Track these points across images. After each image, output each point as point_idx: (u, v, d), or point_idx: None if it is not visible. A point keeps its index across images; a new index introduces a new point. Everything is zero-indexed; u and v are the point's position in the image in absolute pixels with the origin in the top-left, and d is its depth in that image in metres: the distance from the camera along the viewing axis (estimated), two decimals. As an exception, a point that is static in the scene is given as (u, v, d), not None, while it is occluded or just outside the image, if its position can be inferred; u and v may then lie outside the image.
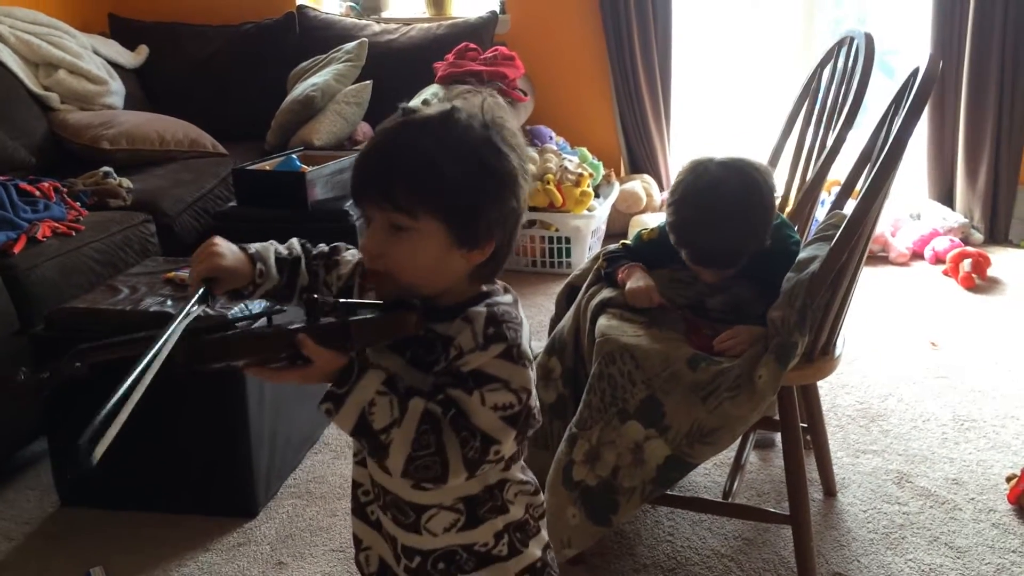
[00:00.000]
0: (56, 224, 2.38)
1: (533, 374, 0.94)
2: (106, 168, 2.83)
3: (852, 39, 1.94)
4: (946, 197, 3.74)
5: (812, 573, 1.64)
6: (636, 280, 1.70)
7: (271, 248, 1.04)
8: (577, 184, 3.35)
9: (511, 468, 1.02)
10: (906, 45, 3.90)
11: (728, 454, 2.01)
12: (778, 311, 1.53)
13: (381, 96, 3.40)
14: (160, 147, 3.16)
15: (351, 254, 1.08)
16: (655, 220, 3.24)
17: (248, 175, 2.80)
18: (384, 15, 4.09)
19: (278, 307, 0.98)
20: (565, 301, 1.89)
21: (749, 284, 1.69)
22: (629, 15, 3.69)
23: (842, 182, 1.81)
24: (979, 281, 3.20)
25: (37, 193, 2.48)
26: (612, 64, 3.80)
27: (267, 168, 2.85)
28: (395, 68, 3.52)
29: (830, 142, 1.88)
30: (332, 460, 2.17)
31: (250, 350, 0.88)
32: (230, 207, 2.84)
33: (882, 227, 3.49)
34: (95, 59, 3.40)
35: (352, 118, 3.36)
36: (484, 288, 0.99)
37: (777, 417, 1.68)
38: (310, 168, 2.75)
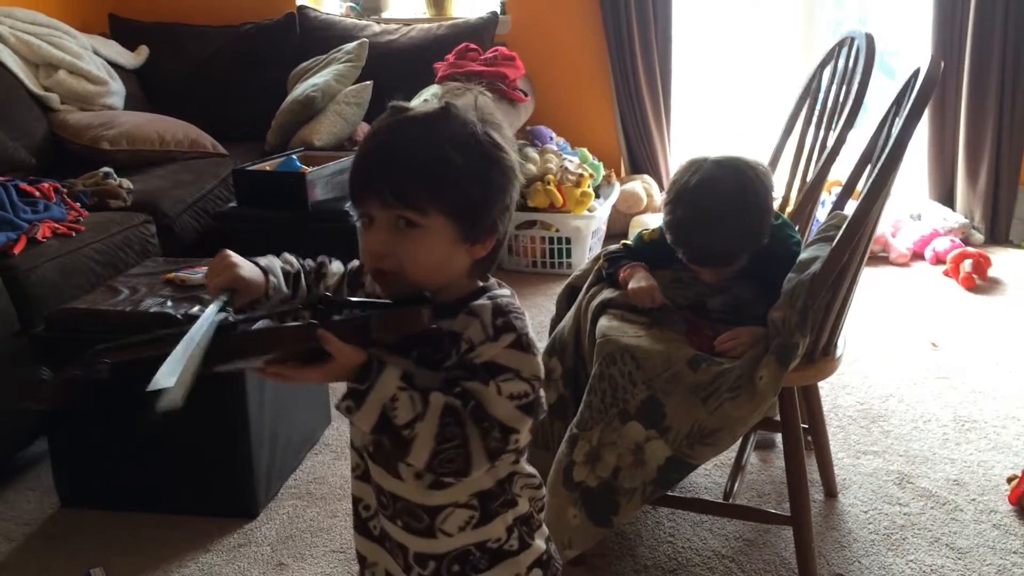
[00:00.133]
0: (56, 225, 2.38)
1: (541, 362, 0.95)
2: (106, 169, 2.83)
3: (853, 39, 1.93)
4: (947, 197, 3.74)
5: (813, 574, 1.64)
6: (638, 280, 1.69)
7: (277, 261, 1.05)
8: (577, 184, 3.34)
9: (520, 461, 1.02)
10: (907, 46, 3.89)
11: (729, 455, 2.01)
12: (779, 312, 1.53)
13: (381, 96, 3.38)
14: (160, 148, 3.16)
15: (336, 266, 1.09)
16: (656, 221, 3.24)
17: (248, 176, 2.80)
18: (384, 15, 4.08)
19: (285, 309, 0.97)
20: (566, 302, 1.89)
21: (750, 285, 1.69)
22: (629, 15, 3.69)
23: (843, 183, 1.81)
24: (980, 282, 3.20)
25: (37, 194, 2.48)
26: (612, 64, 3.80)
27: (267, 169, 2.84)
28: (395, 69, 3.52)
29: (831, 142, 1.88)
30: (332, 461, 2.17)
31: (270, 346, 0.86)
32: (230, 208, 2.84)
33: (883, 227, 3.49)
34: (95, 59, 3.40)
35: (352, 118, 3.36)
36: (481, 283, 0.99)
37: (778, 418, 1.68)
38: (310, 169, 2.75)
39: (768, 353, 1.50)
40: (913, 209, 3.67)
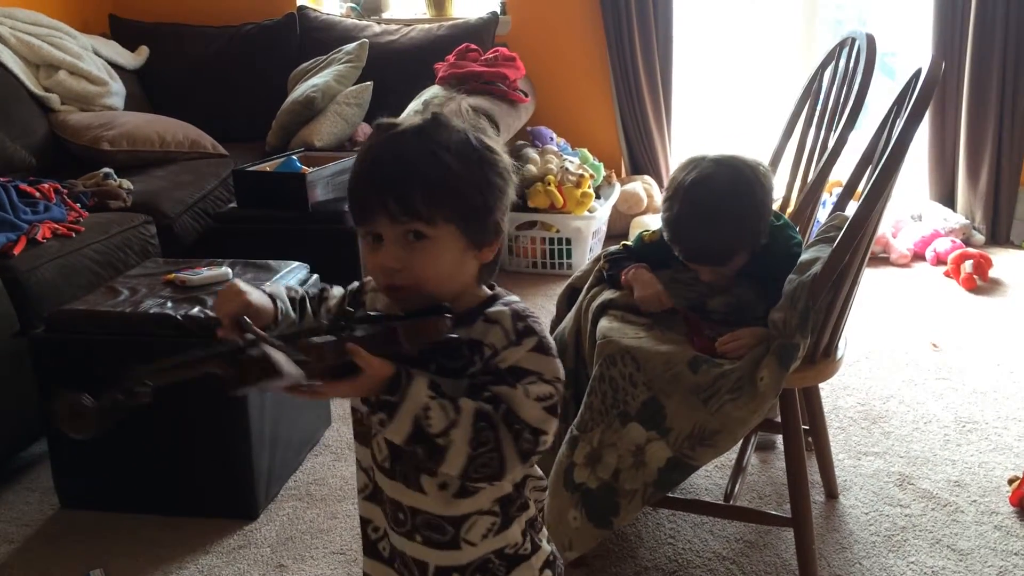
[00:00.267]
0: (56, 225, 2.38)
1: (560, 364, 0.95)
2: (106, 169, 2.83)
3: (853, 40, 1.93)
4: (947, 198, 3.74)
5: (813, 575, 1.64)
6: (644, 287, 1.69)
7: (281, 288, 1.05)
8: (578, 185, 3.34)
9: (534, 463, 1.03)
10: (907, 46, 3.89)
11: (729, 456, 2.01)
12: (780, 313, 1.52)
13: (382, 97, 3.40)
14: (160, 148, 3.16)
15: (337, 290, 1.10)
16: (656, 221, 3.23)
17: (249, 176, 2.80)
18: (385, 16, 4.08)
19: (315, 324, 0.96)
20: (566, 303, 1.88)
21: (751, 285, 1.69)
22: (630, 16, 3.68)
23: (844, 183, 1.80)
24: (980, 282, 3.20)
25: (37, 194, 2.48)
26: (613, 65, 3.80)
27: (267, 169, 2.85)
28: (396, 69, 3.52)
29: (831, 143, 1.87)
30: (333, 462, 2.17)
31: (303, 364, 0.86)
32: (230, 208, 2.84)
33: (883, 228, 3.49)
34: (95, 60, 3.40)
35: (353, 119, 3.36)
36: (488, 290, 1.00)
37: (778, 419, 1.67)
38: (310, 169, 2.75)
39: (769, 354, 1.50)
40: (914, 210, 3.67)
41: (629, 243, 1.85)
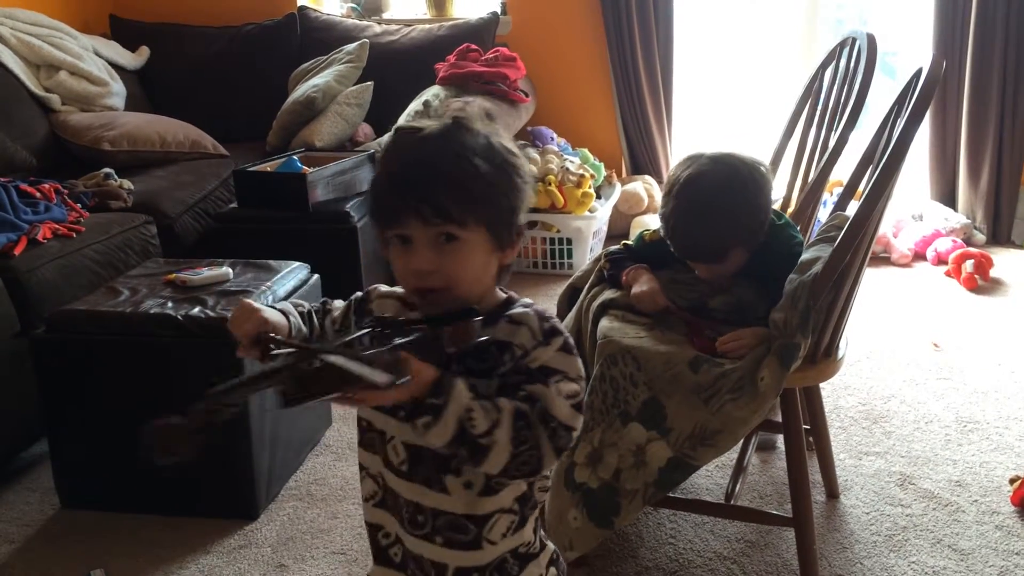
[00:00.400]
0: (57, 226, 2.38)
1: (581, 363, 0.97)
2: (107, 169, 2.83)
3: (854, 40, 1.93)
4: (948, 198, 3.74)
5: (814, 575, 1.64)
6: (641, 284, 1.69)
7: (288, 304, 1.06)
8: (578, 185, 3.34)
9: None
10: (908, 46, 3.89)
11: (730, 456, 2.01)
12: (780, 313, 1.52)
13: (382, 97, 3.40)
14: (161, 148, 3.16)
15: (338, 303, 1.11)
16: (657, 221, 3.24)
17: (249, 176, 2.80)
18: (385, 16, 4.08)
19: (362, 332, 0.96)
20: (567, 303, 1.88)
21: (752, 285, 1.69)
22: (630, 16, 3.68)
23: (844, 183, 1.80)
24: (981, 282, 3.19)
25: (38, 195, 2.48)
26: (613, 65, 3.80)
27: (268, 169, 2.84)
28: (396, 69, 3.52)
29: (832, 143, 1.87)
30: (333, 462, 2.17)
31: (361, 380, 0.85)
32: (231, 208, 2.84)
33: (884, 228, 3.48)
34: (96, 60, 3.40)
35: (353, 119, 3.36)
36: (504, 293, 1.02)
37: (779, 419, 1.67)
38: (311, 169, 2.75)
39: (770, 354, 1.50)
40: (915, 209, 3.67)
41: (630, 242, 1.85)
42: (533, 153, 3.48)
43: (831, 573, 1.72)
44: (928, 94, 1.43)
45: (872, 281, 3.23)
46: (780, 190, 2.05)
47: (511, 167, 0.97)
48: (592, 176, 3.44)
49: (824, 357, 1.60)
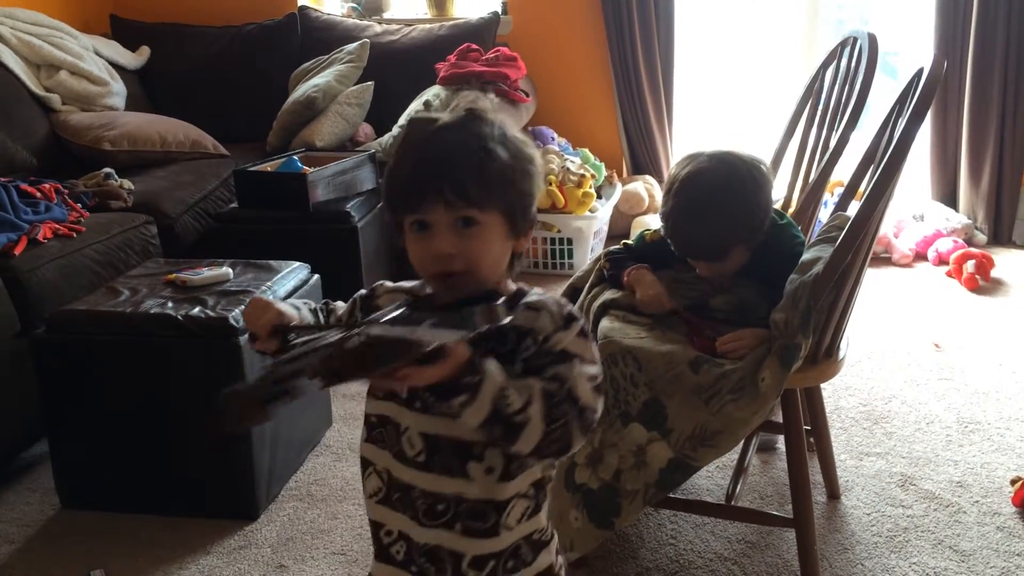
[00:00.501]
0: (57, 226, 2.38)
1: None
2: (107, 169, 2.83)
3: (855, 39, 1.93)
4: (949, 198, 3.73)
5: (815, 577, 1.64)
6: (645, 288, 1.69)
7: (296, 300, 1.08)
8: (579, 185, 3.34)
9: None
10: (909, 46, 3.89)
11: (731, 457, 2.00)
12: (781, 313, 1.52)
13: (383, 97, 3.40)
14: (161, 148, 3.16)
15: (340, 304, 1.13)
16: (657, 221, 3.23)
17: (249, 176, 2.80)
18: (386, 16, 4.08)
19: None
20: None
21: (754, 285, 1.68)
22: (631, 16, 3.68)
23: (845, 183, 1.80)
24: (983, 282, 3.19)
25: (38, 195, 2.48)
26: (614, 65, 3.80)
27: (268, 169, 2.85)
28: (397, 69, 3.52)
29: (833, 143, 1.87)
30: (333, 463, 2.17)
31: (411, 351, 0.85)
32: (231, 208, 2.84)
33: (885, 228, 3.48)
34: (96, 60, 3.40)
35: (354, 119, 3.36)
36: (513, 283, 1.03)
37: (780, 420, 1.67)
38: (311, 169, 2.75)
39: (771, 355, 1.49)
40: (916, 210, 3.66)
41: (630, 242, 1.84)
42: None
43: (832, 574, 1.71)
44: (929, 94, 1.42)
45: (873, 281, 3.22)
46: (781, 190, 2.05)
47: (525, 156, 0.99)
48: (593, 176, 3.44)
49: (825, 358, 1.59)
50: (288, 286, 2.08)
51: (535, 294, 1.01)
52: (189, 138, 3.25)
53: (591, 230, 3.38)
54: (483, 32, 3.63)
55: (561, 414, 0.91)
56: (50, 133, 3.11)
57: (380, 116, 3.40)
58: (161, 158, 3.15)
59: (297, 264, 2.19)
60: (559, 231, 3.39)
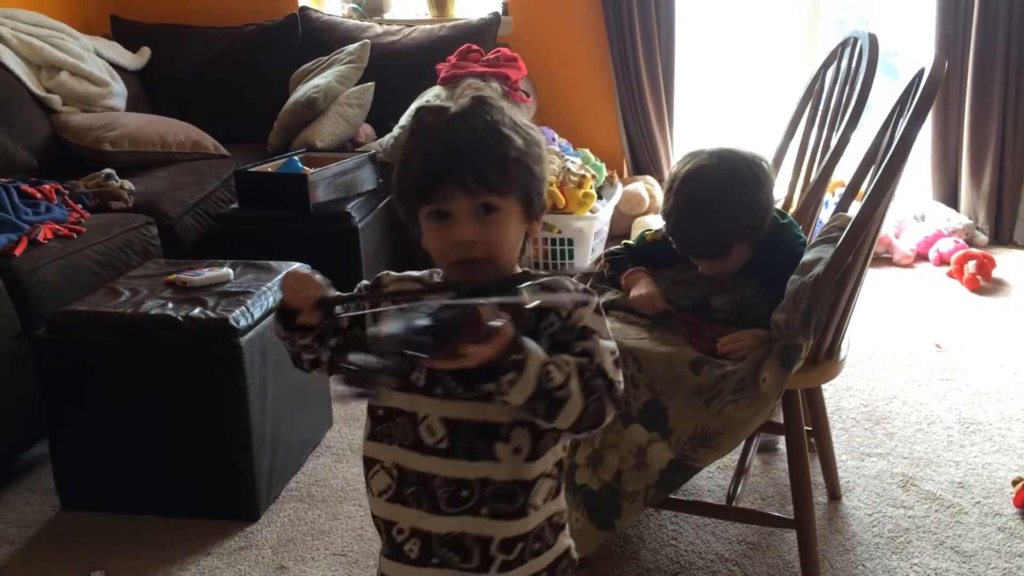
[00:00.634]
0: (57, 226, 2.38)
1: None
2: (108, 170, 2.83)
3: (856, 40, 1.93)
4: (950, 198, 3.73)
5: (817, 578, 1.64)
6: (639, 288, 1.69)
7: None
8: (580, 186, 3.33)
9: None
10: (910, 46, 3.89)
11: (732, 458, 2.00)
12: (782, 314, 1.52)
13: (383, 98, 3.40)
14: (162, 149, 3.16)
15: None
16: (658, 221, 3.23)
17: (250, 177, 2.80)
18: (386, 16, 4.08)
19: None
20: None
21: (755, 284, 1.68)
22: (632, 16, 3.68)
23: (846, 183, 1.80)
24: (984, 283, 3.19)
25: (38, 195, 2.48)
26: (615, 65, 3.79)
27: (269, 170, 2.85)
28: (397, 70, 3.52)
29: (834, 143, 1.87)
30: (334, 463, 2.16)
31: (477, 326, 0.86)
32: (232, 209, 2.84)
33: (886, 229, 3.48)
34: (97, 61, 3.40)
35: (354, 120, 3.36)
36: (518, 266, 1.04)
37: (781, 420, 1.67)
38: (312, 170, 2.75)
39: (771, 355, 1.49)
40: (917, 210, 3.66)
41: (630, 242, 1.84)
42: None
43: (833, 575, 1.71)
44: (930, 94, 1.42)
45: (874, 282, 3.22)
46: (782, 190, 2.04)
47: (535, 140, 1.01)
48: (593, 176, 3.43)
49: (826, 358, 1.59)
50: (288, 287, 2.08)
51: (545, 275, 1.02)
52: (190, 139, 3.25)
53: (592, 231, 3.38)
54: (484, 33, 3.63)
55: (596, 387, 0.93)
56: (51, 134, 3.11)
57: (381, 117, 3.40)
58: (162, 159, 3.15)
59: (298, 265, 2.18)
60: (560, 231, 3.38)
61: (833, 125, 1.92)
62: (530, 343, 0.90)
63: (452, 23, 3.75)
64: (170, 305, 1.92)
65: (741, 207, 1.60)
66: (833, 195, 3.19)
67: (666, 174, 3.86)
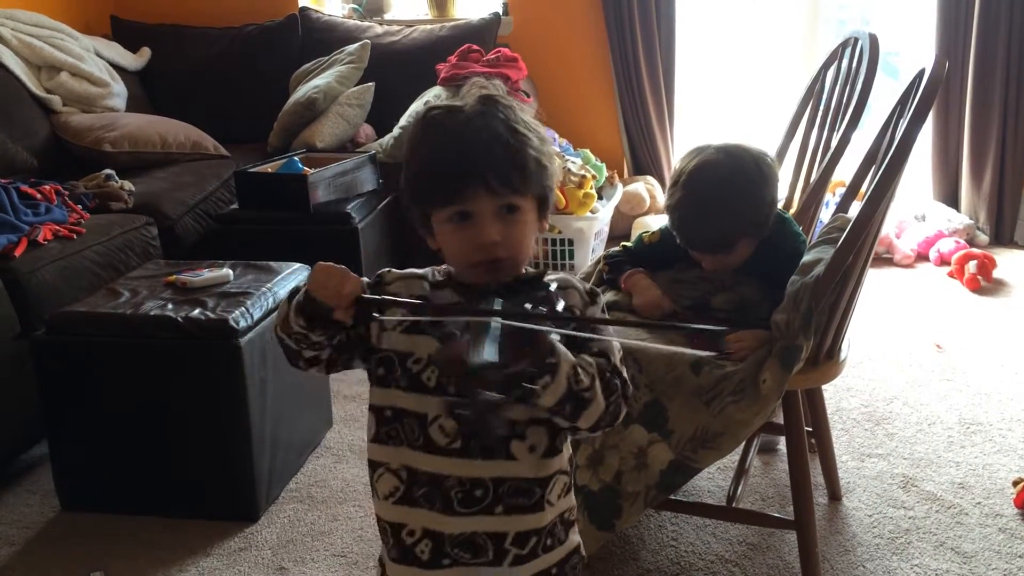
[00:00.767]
0: (57, 227, 2.37)
1: None
2: (108, 170, 2.83)
3: (856, 40, 1.92)
4: (951, 198, 3.73)
5: (817, 578, 1.63)
6: (642, 292, 1.69)
7: None
8: (580, 186, 3.33)
9: None
10: (911, 46, 3.88)
11: (732, 458, 2.00)
12: (783, 314, 1.52)
13: (383, 98, 3.40)
14: (162, 149, 3.16)
15: None
16: (658, 222, 3.23)
17: (250, 177, 2.80)
18: (387, 17, 4.08)
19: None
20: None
21: (756, 284, 1.68)
22: (632, 16, 3.68)
23: (847, 184, 1.79)
24: (984, 283, 3.18)
25: (38, 196, 2.48)
26: (615, 65, 3.79)
27: (269, 170, 2.84)
28: (398, 70, 3.52)
29: (834, 143, 1.87)
30: (334, 464, 2.16)
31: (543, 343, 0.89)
32: (232, 210, 2.84)
33: (887, 229, 3.48)
34: (97, 61, 3.40)
35: (354, 120, 3.36)
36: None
37: (781, 421, 1.66)
38: (312, 170, 2.75)
39: (772, 356, 1.49)
40: (917, 210, 3.66)
41: (629, 244, 1.84)
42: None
43: (833, 576, 1.71)
44: (931, 95, 1.42)
45: (875, 282, 3.22)
46: (782, 190, 2.04)
47: (546, 138, 1.02)
48: (594, 177, 3.43)
49: (826, 359, 1.59)
50: (289, 287, 2.08)
51: (553, 274, 1.03)
52: (190, 139, 3.25)
53: (592, 231, 3.38)
54: (484, 33, 3.63)
55: (614, 387, 0.94)
56: (51, 134, 3.11)
57: (381, 117, 3.40)
58: (162, 159, 3.15)
59: (298, 265, 2.18)
60: (560, 232, 3.38)
61: (833, 125, 1.92)
62: (560, 346, 0.91)
63: (452, 23, 3.75)
64: (170, 306, 1.92)
65: (746, 203, 1.60)
66: (834, 195, 3.19)
67: (667, 174, 3.86)
